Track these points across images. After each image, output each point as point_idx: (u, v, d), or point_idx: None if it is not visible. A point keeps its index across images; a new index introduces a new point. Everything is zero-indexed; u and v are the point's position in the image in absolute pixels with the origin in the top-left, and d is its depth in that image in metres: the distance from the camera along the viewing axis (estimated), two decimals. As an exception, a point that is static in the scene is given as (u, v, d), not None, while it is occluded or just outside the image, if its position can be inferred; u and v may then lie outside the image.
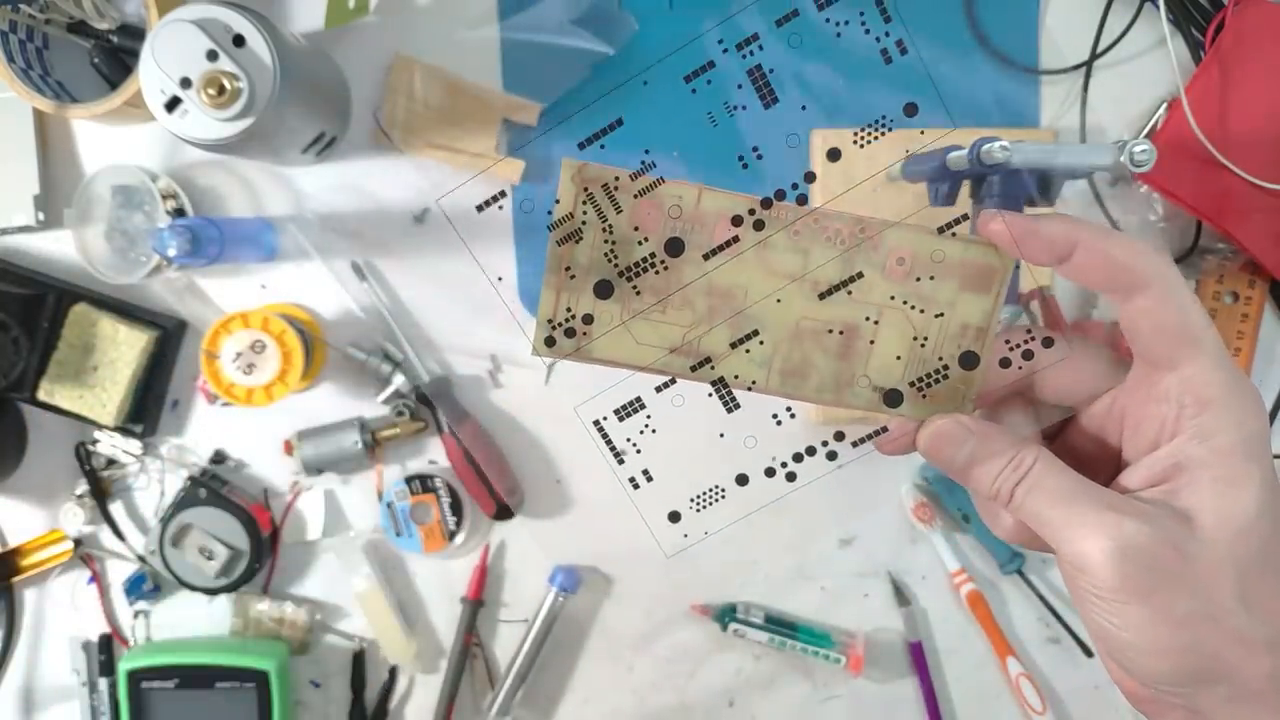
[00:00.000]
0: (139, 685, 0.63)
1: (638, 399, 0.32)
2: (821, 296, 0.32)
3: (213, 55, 0.49)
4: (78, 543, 0.65)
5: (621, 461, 0.33)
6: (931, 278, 0.31)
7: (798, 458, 0.32)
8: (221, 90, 0.48)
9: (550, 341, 0.32)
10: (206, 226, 0.58)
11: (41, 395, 0.62)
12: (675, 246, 0.31)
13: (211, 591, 0.65)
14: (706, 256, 0.31)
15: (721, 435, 0.33)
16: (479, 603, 0.66)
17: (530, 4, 0.61)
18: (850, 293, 0.32)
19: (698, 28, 0.61)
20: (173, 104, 0.49)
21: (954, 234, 0.31)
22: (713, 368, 0.32)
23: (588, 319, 0.32)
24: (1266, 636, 0.27)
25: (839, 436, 0.32)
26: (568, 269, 0.31)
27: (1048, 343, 0.32)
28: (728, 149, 0.34)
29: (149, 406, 0.64)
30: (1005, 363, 0.32)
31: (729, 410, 0.32)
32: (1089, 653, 0.65)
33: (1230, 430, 0.28)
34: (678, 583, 0.67)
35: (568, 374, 0.64)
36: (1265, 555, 0.28)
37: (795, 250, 0.31)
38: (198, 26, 0.48)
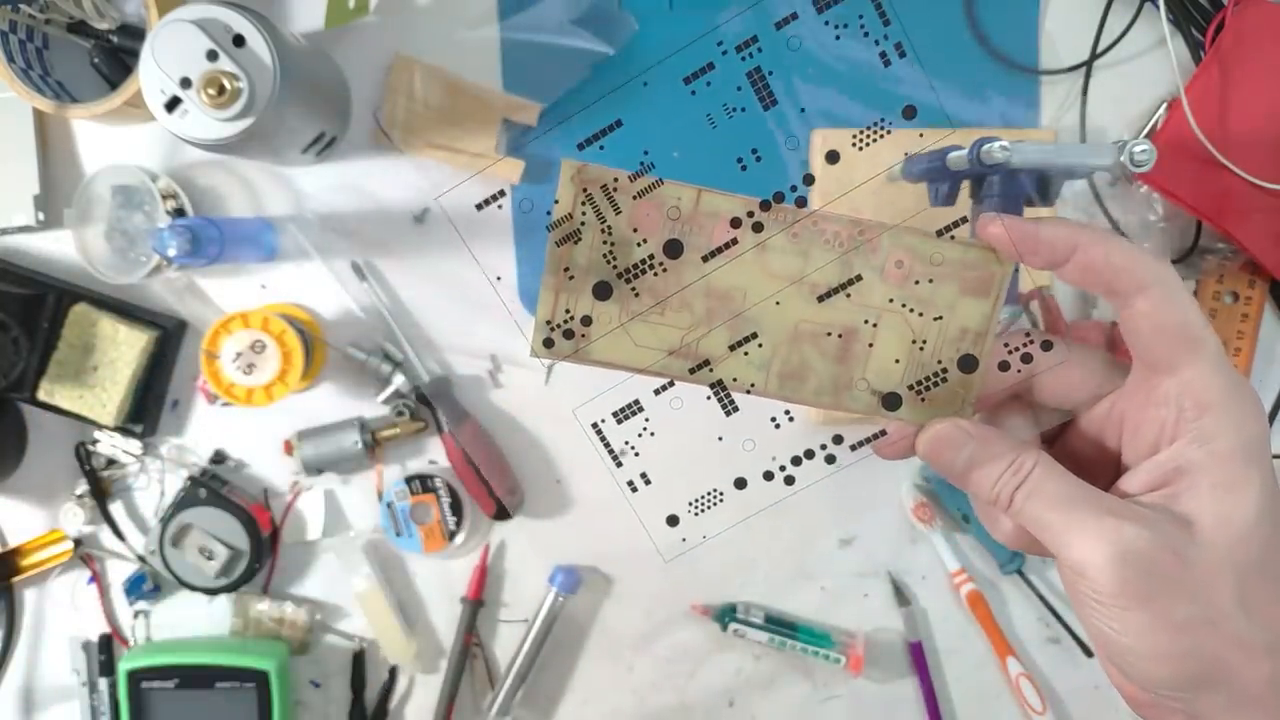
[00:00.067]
0: (139, 685, 0.63)
1: (636, 401, 0.32)
2: (820, 299, 0.32)
3: (213, 55, 0.49)
4: (78, 543, 0.65)
5: (620, 464, 0.33)
6: (930, 281, 0.31)
7: (796, 461, 0.32)
8: (221, 90, 0.48)
9: (549, 343, 0.32)
10: (206, 226, 0.58)
11: (41, 395, 0.62)
12: (674, 248, 0.31)
13: (211, 591, 0.65)
14: (705, 258, 0.31)
15: (720, 438, 0.33)
16: (479, 603, 0.66)
17: (530, 4, 0.61)
18: (849, 295, 0.32)
19: (698, 28, 0.61)
20: (173, 104, 0.49)
21: (953, 237, 0.31)
22: (711, 370, 0.32)
23: (586, 320, 0.31)
24: (1266, 641, 0.27)
25: (837, 440, 0.32)
26: (566, 270, 0.31)
27: (1046, 346, 0.32)
28: (727, 151, 0.34)
29: (149, 406, 0.64)
30: (1004, 366, 0.32)
31: (727, 413, 0.32)
32: (1089, 653, 0.65)
33: (1230, 434, 0.28)
34: (678, 583, 0.67)
35: (568, 374, 0.64)
36: (1265, 560, 0.28)
37: (794, 253, 0.31)
38: (198, 26, 0.48)
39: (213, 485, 0.64)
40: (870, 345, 0.32)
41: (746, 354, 0.32)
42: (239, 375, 0.60)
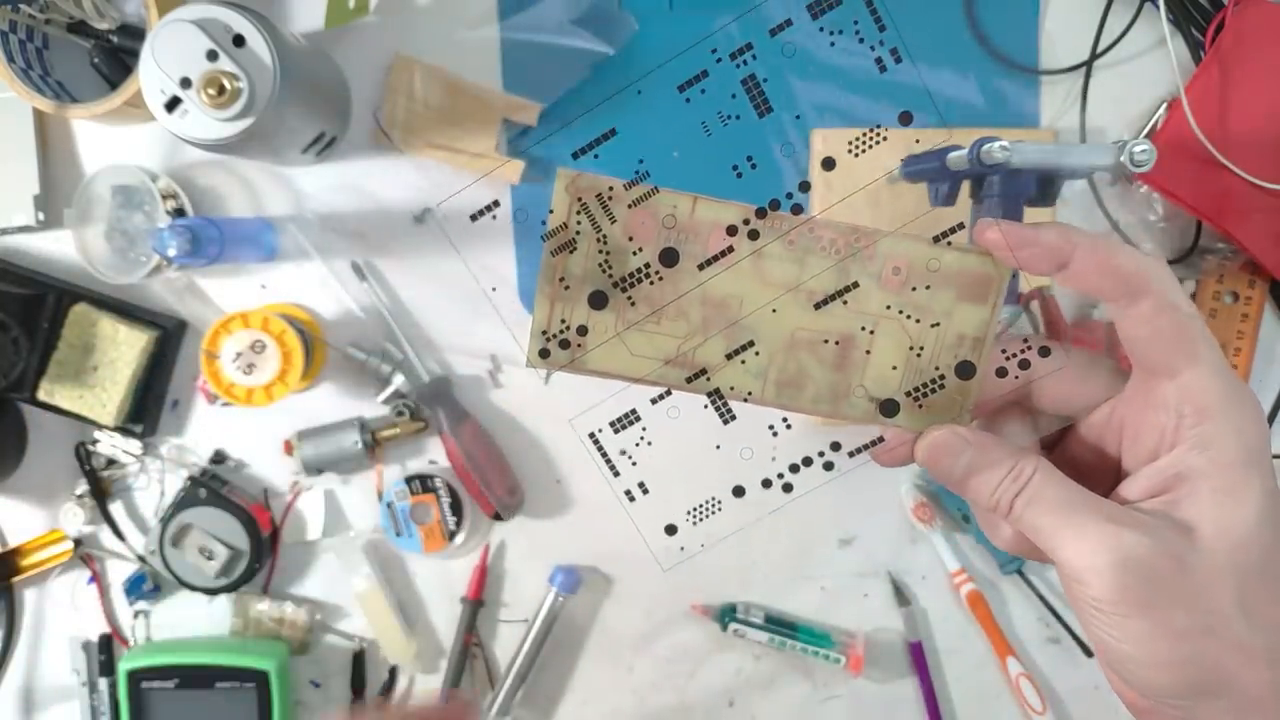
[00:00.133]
0: (139, 685, 0.63)
1: (633, 411, 0.32)
2: (817, 306, 0.31)
3: (213, 55, 0.49)
4: (78, 543, 0.65)
5: (617, 474, 0.32)
6: (928, 287, 0.31)
7: (794, 468, 0.32)
8: (221, 90, 0.48)
9: (545, 353, 0.31)
10: (206, 226, 0.58)
11: (41, 395, 0.62)
12: (670, 256, 0.31)
13: (211, 591, 0.65)
14: (701, 267, 0.31)
15: (718, 447, 0.33)
16: (479, 603, 0.66)
17: (530, 4, 0.61)
18: (846, 303, 0.31)
19: (698, 28, 0.61)
20: (173, 104, 0.49)
21: (950, 243, 0.31)
22: (708, 379, 0.32)
23: (582, 330, 0.31)
24: (1267, 648, 0.27)
25: (835, 447, 0.32)
26: (562, 280, 0.31)
27: (1045, 352, 0.32)
28: (722, 158, 0.34)
29: (149, 406, 0.64)
30: (1002, 372, 0.32)
31: (725, 422, 0.32)
32: (1089, 653, 0.65)
33: (1230, 440, 0.28)
34: (677, 583, 0.67)
35: (567, 379, 0.64)
36: (1266, 566, 0.28)
37: (790, 260, 0.31)
38: (198, 26, 0.48)
39: (213, 485, 0.64)
40: (868, 352, 0.32)
41: (743, 362, 0.32)
42: (239, 375, 0.60)
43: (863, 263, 0.31)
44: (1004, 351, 0.32)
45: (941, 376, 0.32)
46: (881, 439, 0.33)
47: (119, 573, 0.66)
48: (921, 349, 0.32)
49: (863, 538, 0.67)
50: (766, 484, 0.32)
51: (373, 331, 0.64)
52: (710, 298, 0.31)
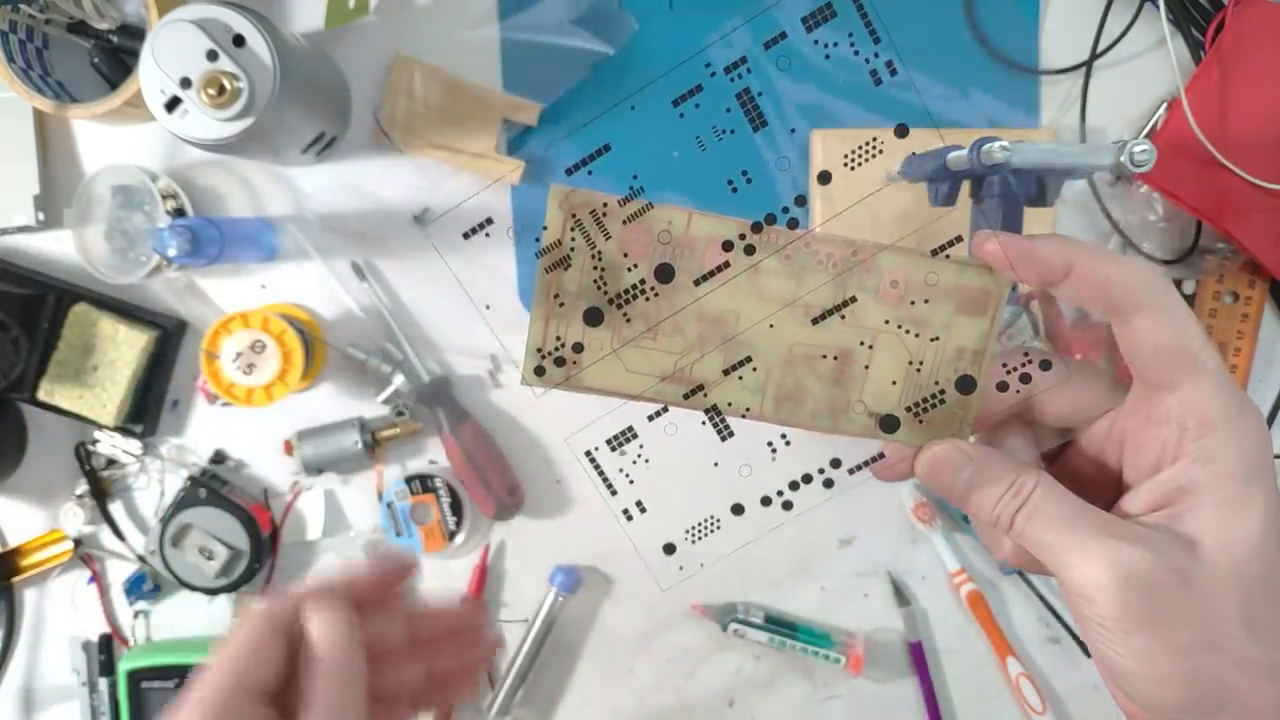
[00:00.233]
0: (139, 685, 0.63)
1: (630, 428, 0.32)
2: (815, 321, 0.31)
3: (213, 55, 0.49)
4: (78, 543, 0.65)
5: (614, 493, 0.32)
6: (926, 301, 0.31)
7: (794, 485, 0.32)
8: (221, 90, 0.48)
9: (540, 371, 0.31)
10: (206, 226, 0.58)
11: (41, 395, 0.62)
12: (665, 272, 0.31)
13: (211, 591, 0.65)
14: (697, 282, 0.31)
15: (716, 464, 0.33)
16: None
17: (530, 4, 0.61)
18: (844, 317, 0.31)
19: (698, 28, 0.61)
20: (173, 104, 0.49)
21: (948, 256, 0.31)
22: (706, 395, 0.31)
23: (578, 347, 0.31)
24: (1271, 663, 0.27)
25: (835, 463, 0.32)
26: (556, 297, 0.31)
27: (1045, 365, 0.32)
28: (717, 173, 0.34)
29: (149, 406, 0.64)
30: (1003, 386, 0.32)
31: (723, 438, 0.32)
32: (1089, 653, 0.65)
33: (1233, 453, 0.28)
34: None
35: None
36: (1270, 580, 0.27)
37: (787, 275, 0.31)
38: (198, 26, 0.48)
39: (213, 485, 0.64)
40: (866, 367, 0.32)
41: (741, 378, 0.31)
42: (239, 375, 0.60)
43: (860, 277, 0.31)
44: (1004, 365, 0.32)
45: (941, 391, 0.32)
46: (881, 454, 0.33)
47: (119, 573, 0.66)
48: (921, 363, 0.32)
49: (863, 538, 0.67)
50: (766, 501, 0.32)
51: (373, 331, 0.64)
52: (707, 313, 0.31)
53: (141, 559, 0.66)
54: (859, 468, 0.32)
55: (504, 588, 0.67)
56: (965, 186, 0.48)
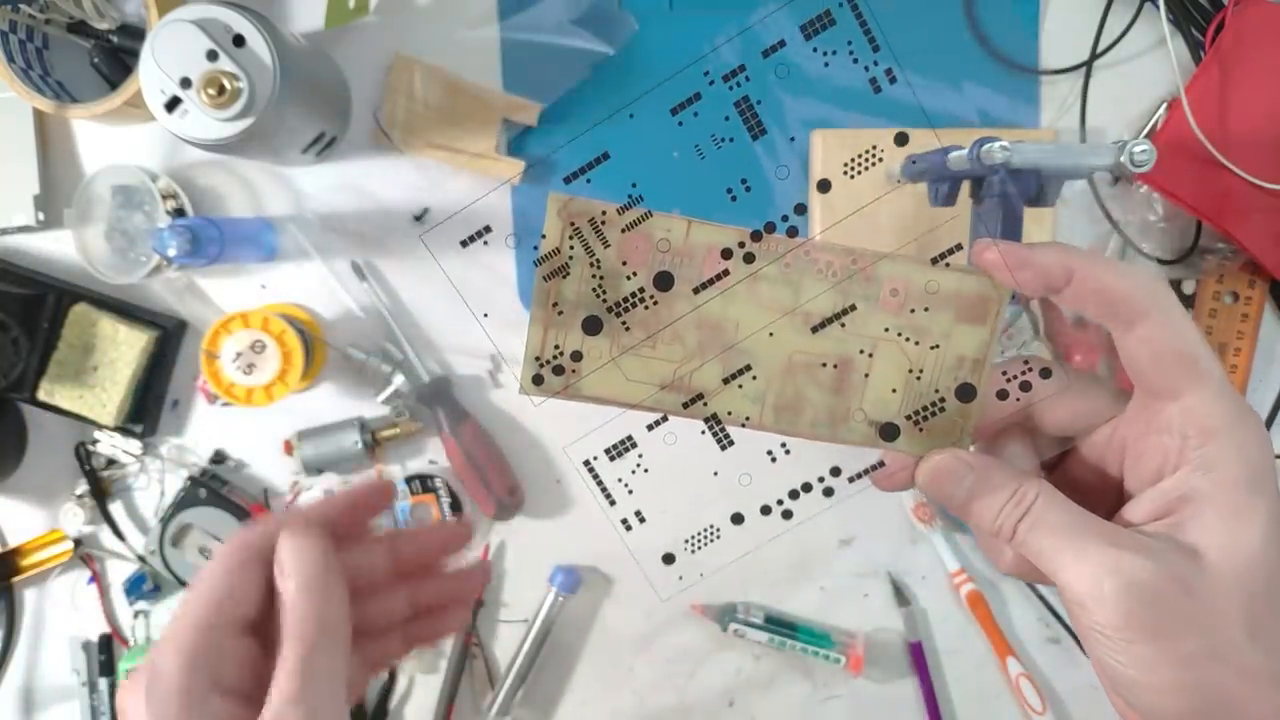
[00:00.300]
0: (139, 685, 0.63)
1: (629, 438, 0.32)
2: (814, 330, 0.31)
3: (213, 55, 0.49)
4: (78, 543, 0.65)
5: (613, 503, 0.32)
6: (926, 309, 0.31)
7: (794, 494, 0.31)
8: (221, 90, 0.48)
9: (538, 379, 0.31)
10: (206, 226, 0.58)
11: (41, 395, 0.62)
12: (664, 281, 0.31)
13: (211, 591, 0.64)
14: (696, 290, 0.31)
15: (715, 473, 0.33)
16: (479, 603, 0.66)
17: (530, 4, 0.61)
18: (843, 325, 0.31)
19: (698, 28, 0.61)
20: (173, 104, 0.49)
21: (948, 264, 0.31)
22: (705, 404, 0.31)
23: (576, 356, 0.31)
24: (1274, 672, 0.27)
25: (835, 472, 0.32)
26: (555, 305, 0.31)
27: (1046, 374, 0.32)
28: (716, 181, 0.33)
29: (149, 406, 0.64)
30: (1003, 394, 0.32)
31: (722, 448, 0.32)
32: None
33: (1234, 462, 0.28)
34: (678, 583, 0.67)
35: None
36: (1271, 589, 0.27)
37: (787, 283, 0.31)
38: (198, 26, 0.48)
39: (213, 485, 0.64)
40: (866, 375, 0.31)
41: (740, 387, 0.31)
42: (239, 375, 0.60)
43: (860, 285, 0.31)
44: (1004, 373, 0.32)
45: (942, 399, 0.32)
46: (882, 463, 0.33)
47: (119, 573, 0.66)
48: (921, 371, 0.31)
49: (863, 538, 0.67)
50: (766, 511, 0.32)
51: (373, 331, 0.64)
52: (706, 322, 0.31)
53: (141, 559, 0.66)
54: (859, 476, 0.32)
55: (504, 588, 0.67)
56: (965, 186, 0.48)
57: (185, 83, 0.49)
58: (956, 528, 0.66)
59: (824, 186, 0.37)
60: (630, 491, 0.32)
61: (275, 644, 0.31)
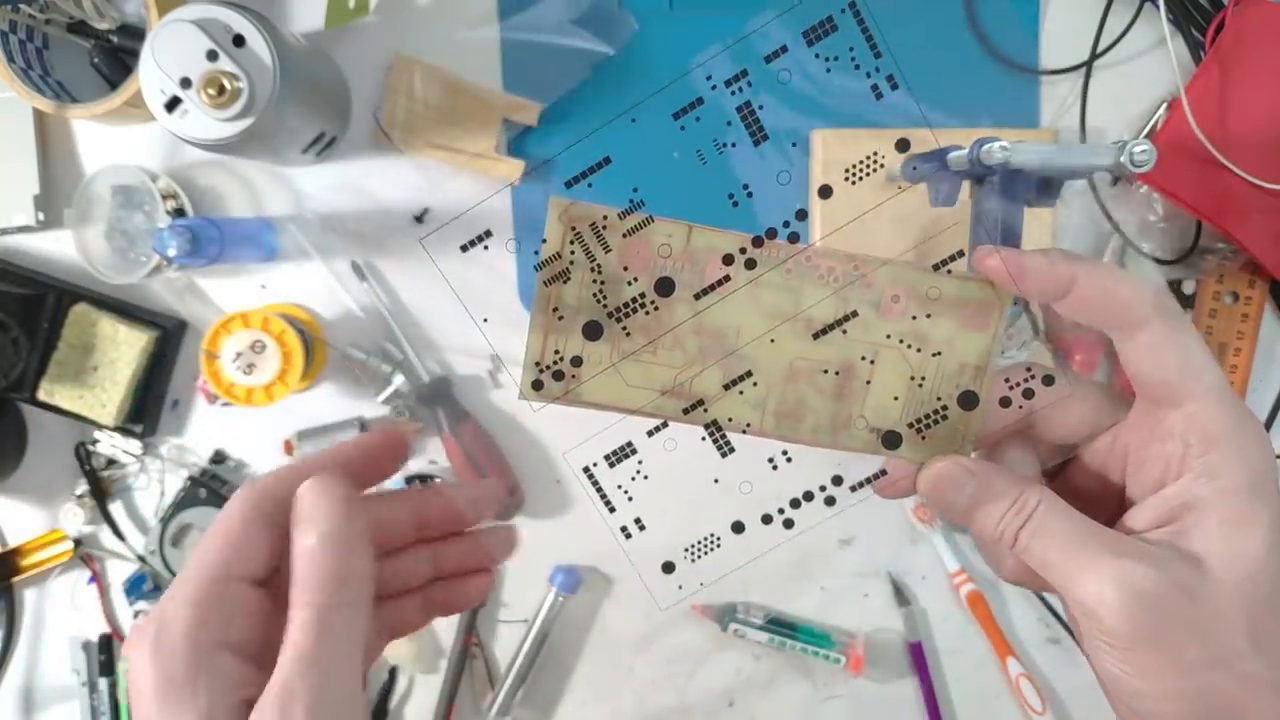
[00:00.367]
0: (139, 685, 0.63)
1: (629, 444, 0.31)
2: (816, 336, 0.31)
3: (213, 55, 0.49)
4: (78, 543, 0.65)
5: (613, 510, 0.32)
6: (928, 316, 0.31)
7: (795, 503, 0.31)
8: (221, 90, 0.48)
9: (538, 385, 0.31)
10: (206, 226, 0.58)
11: (41, 395, 0.62)
12: (665, 286, 0.31)
13: (211, 591, 0.64)
14: (697, 296, 0.31)
15: (716, 481, 0.33)
16: (479, 603, 0.66)
17: (530, 4, 0.61)
18: (845, 332, 0.31)
19: (698, 28, 0.61)
20: (173, 104, 0.49)
21: (949, 271, 0.31)
22: (706, 410, 0.31)
23: (576, 361, 0.31)
24: (1277, 681, 0.27)
25: (837, 481, 0.32)
26: (555, 310, 0.31)
27: (1048, 381, 0.31)
28: (717, 187, 0.33)
29: (149, 406, 0.64)
30: (1005, 402, 0.32)
31: (723, 455, 0.31)
32: (1089, 653, 0.65)
33: (1237, 469, 0.28)
34: (678, 583, 0.67)
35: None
36: (1274, 597, 0.27)
37: (788, 289, 0.31)
38: (198, 26, 0.48)
39: (213, 485, 0.64)
40: (868, 382, 0.31)
41: (741, 393, 0.31)
42: (239, 375, 0.60)
43: (862, 291, 0.31)
44: (1007, 381, 0.32)
45: (944, 407, 0.31)
46: (884, 471, 0.32)
47: (119, 573, 0.66)
48: (923, 379, 0.31)
49: (863, 538, 0.67)
50: (767, 520, 0.31)
51: (373, 331, 0.64)
52: (707, 327, 0.31)
53: (141, 559, 0.66)
54: (861, 485, 0.32)
55: (504, 587, 0.67)
56: (965, 186, 0.48)
57: (185, 83, 0.49)
58: (956, 528, 0.66)
59: (825, 192, 0.37)
60: (630, 499, 0.32)
61: (287, 602, 0.29)
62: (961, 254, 0.32)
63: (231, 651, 0.28)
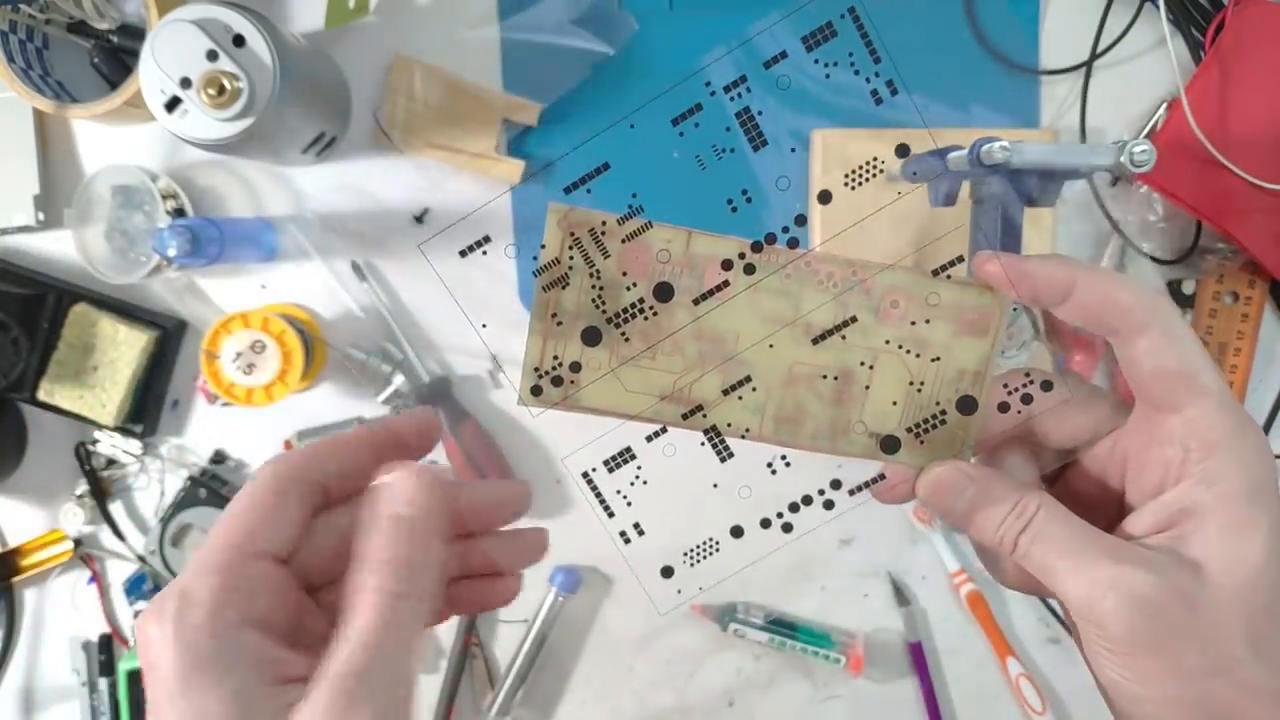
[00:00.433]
0: (139, 685, 0.63)
1: (628, 449, 0.31)
2: (815, 341, 0.31)
3: (213, 55, 0.49)
4: (78, 543, 0.65)
5: (612, 515, 0.32)
6: (927, 321, 0.31)
7: (794, 507, 0.31)
8: (221, 90, 0.48)
9: (537, 390, 0.31)
10: (206, 226, 0.58)
11: (41, 395, 0.62)
12: (664, 291, 0.31)
13: (211, 591, 0.64)
14: (696, 301, 0.31)
15: (715, 485, 0.33)
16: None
17: (530, 4, 0.61)
18: (844, 337, 0.31)
19: (698, 28, 0.61)
20: (173, 104, 0.49)
21: (949, 276, 0.31)
22: (705, 415, 0.31)
23: (575, 367, 0.31)
24: (1276, 688, 0.27)
25: (835, 485, 0.32)
26: (554, 316, 0.31)
27: (1047, 386, 0.31)
28: (716, 192, 0.33)
29: (149, 406, 0.64)
30: (1004, 407, 0.32)
31: (722, 460, 0.31)
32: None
33: (1236, 475, 0.28)
34: (678, 583, 0.67)
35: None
36: (1274, 603, 0.27)
37: (787, 295, 0.31)
38: (198, 26, 0.48)
39: (213, 485, 0.64)
40: (867, 387, 0.31)
41: (740, 398, 0.31)
42: (239, 375, 0.60)
43: (861, 297, 0.31)
44: (1005, 386, 0.32)
45: (943, 412, 0.31)
46: (882, 476, 0.32)
47: (119, 573, 0.66)
48: (922, 384, 0.31)
49: (863, 538, 0.67)
50: (765, 524, 0.31)
51: (373, 331, 0.64)
52: (706, 333, 0.31)
53: (141, 559, 0.66)
54: (859, 489, 0.32)
55: (504, 588, 0.67)
56: (965, 186, 0.48)
57: (185, 83, 0.49)
58: (956, 528, 0.66)
59: (825, 198, 0.37)
60: (629, 504, 0.32)
61: (309, 585, 0.28)
62: (961, 259, 0.32)
63: (259, 629, 0.27)
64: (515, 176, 0.62)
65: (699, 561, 0.32)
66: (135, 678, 0.63)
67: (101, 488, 0.65)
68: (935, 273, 0.31)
